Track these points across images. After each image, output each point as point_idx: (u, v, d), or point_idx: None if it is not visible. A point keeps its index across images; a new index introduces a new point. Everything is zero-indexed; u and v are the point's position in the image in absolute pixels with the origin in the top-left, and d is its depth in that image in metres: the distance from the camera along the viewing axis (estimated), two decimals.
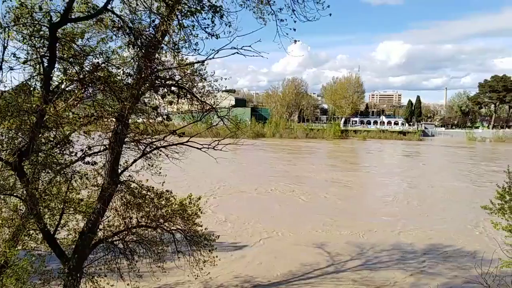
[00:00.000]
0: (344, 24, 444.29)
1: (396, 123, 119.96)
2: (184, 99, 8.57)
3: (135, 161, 9.25)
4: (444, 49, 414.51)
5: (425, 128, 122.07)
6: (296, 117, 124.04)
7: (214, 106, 8.75)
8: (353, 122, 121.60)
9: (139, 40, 6.87)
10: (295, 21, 7.72)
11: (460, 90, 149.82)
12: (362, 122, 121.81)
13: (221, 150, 9.09)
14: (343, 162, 56.97)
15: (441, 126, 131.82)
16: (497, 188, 10.20)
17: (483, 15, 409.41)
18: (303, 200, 30.16)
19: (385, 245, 20.00)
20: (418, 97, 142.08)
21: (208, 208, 25.30)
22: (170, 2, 6.38)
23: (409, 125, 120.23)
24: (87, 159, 8.15)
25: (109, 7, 6.81)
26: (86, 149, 7.98)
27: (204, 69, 8.14)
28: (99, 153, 8.80)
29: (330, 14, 7.76)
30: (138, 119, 8.84)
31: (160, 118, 8.44)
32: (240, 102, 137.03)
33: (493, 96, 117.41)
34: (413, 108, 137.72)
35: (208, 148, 9.13)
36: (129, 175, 9.54)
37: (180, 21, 6.66)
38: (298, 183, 37.03)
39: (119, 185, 9.17)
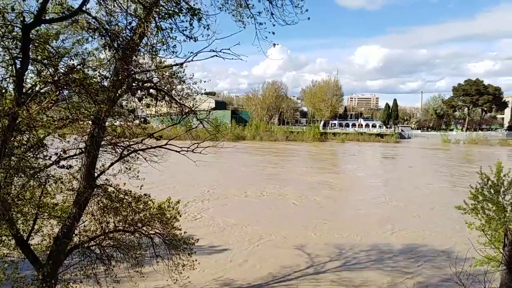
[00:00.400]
0: (323, 28, 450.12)
1: (374, 126, 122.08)
2: (162, 101, 8.48)
3: (112, 164, 9.08)
4: (419, 54, 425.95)
5: (402, 130, 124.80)
6: (276, 120, 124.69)
7: (193, 109, 8.69)
8: (332, 125, 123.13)
9: (116, 42, 6.77)
10: (274, 25, 7.77)
11: (435, 93, 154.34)
12: (340, 125, 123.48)
13: (200, 153, 9.03)
14: (329, 165, 57.54)
15: (417, 129, 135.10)
16: (470, 188, 10.46)
17: (457, 21, 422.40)
18: (294, 203, 30.15)
19: (364, 245, 20.28)
20: (395, 100, 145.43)
21: (198, 213, 25.11)
22: (147, 4, 6.31)
23: (387, 127, 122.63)
24: (62, 162, 7.95)
25: (84, 8, 6.68)
26: (61, 152, 7.79)
27: (183, 72, 8.09)
28: (75, 157, 8.61)
29: (309, 18, 7.85)
30: (115, 122, 8.70)
31: (137, 121, 8.33)
32: (220, 105, 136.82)
33: (466, 100, 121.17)
34: (390, 111, 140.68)
35: (187, 151, 9.06)
36: (106, 179, 9.36)
37: (158, 24, 6.61)
38: (288, 186, 37.13)
39: (95, 189, 8.98)
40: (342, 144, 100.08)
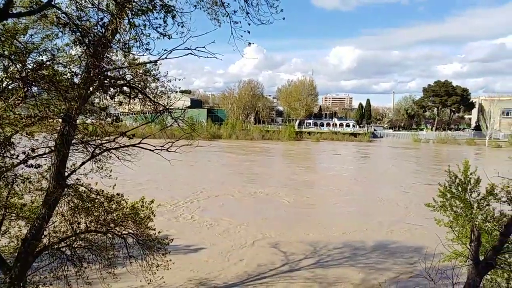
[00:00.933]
0: (299, 28, 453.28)
1: (347, 125, 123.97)
2: (136, 99, 8.31)
3: (83, 163, 8.83)
4: (392, 55, 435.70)
5: (375, 130, 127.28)
6: (252, 119, 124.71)
7: (167, 107, 8.56)
8: (307, 124, 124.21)
9: (87, 38, 6.57)
10: (249, 24, 7.74)
11: (407, 94, 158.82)
12: (315, 124, 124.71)
13: (175, 152, 8.90)
14: (306, 163, 58.00)
15: (389, 128, 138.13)
16: (439, 186, 10.76)
17: (427, 24, 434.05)
18: (272, 202, 30.24)
19: (338, 243, 20.58)
20: (368, 100, 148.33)
21: (174, 212, 24.78)
22: (120, 0, 6.17)
23: (360, 127, 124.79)
24: (31, 161, 7.66)
25: (54, 2, 6.46)
26: (29, 151, 7.50)
27: (157, 69, 7.96)
28: (44, 156, 8.32)
29: (284, 18, 7.86)
30: (87, 119, 8.46)
31: (110, 119, 8.13)
32: (196, 103, 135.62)
33: (436, 100, 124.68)
34: (363, 110, 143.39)
35: (161, 150, 8.91)
36: (77, 178, 9.10)
37: (131, 20, 6.46)
38: (264, 184, 37.18)
39: (65, 189, 8.72)
40: (317, 143, 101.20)
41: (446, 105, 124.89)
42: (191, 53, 6.85)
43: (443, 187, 10.44)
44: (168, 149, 8.83)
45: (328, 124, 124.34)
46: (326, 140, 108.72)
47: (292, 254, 18.79)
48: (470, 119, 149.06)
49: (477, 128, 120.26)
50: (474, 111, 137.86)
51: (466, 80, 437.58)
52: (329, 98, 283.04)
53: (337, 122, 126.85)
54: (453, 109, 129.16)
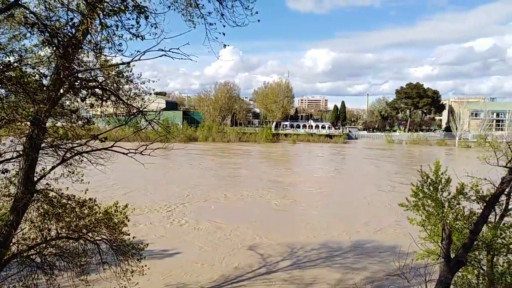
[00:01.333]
0: (275, 30, 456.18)
1: (323, 127, 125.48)
2: (108, 101, 8.12)
3: (53, 168, 8.54)
4: (366, 58, 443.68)
5: (349, 131, 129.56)
6: (229, 121, 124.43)
7: (141, 109, 8.40)
8: (284, 126, 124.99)
9: (56, 39, 6.37)
10: (224, 26, 7.71)
11: (380, 96, 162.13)
12: (292, 126, 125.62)
13: (149, 155, 8.75)
14: (296, 166, 58.29)
15: (364, 130, 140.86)
16: (412, 186, 10.99)
17: (399, 27, 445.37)
18: (250, 204, 30.21)
19: (315, 244, 20.75)
20: (343, 102, 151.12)
21: (150, 217, 24.36)
22: (90, 0, 6.01)
23: (335, 128, 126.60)
24: None
25: (22, 2, 6.23)
26: None
27: (130, 71, 7.81)
28: (12, 160, 8.01)
29: (259, 20, 7.87)
30: (57, 122, 8.19)
31: (81, 122, 7.89)
32: (171, 105, 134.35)
33: (408, 102, 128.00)
34: (338, 112, 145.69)
35: (135, 153, 8.74)
36: (47, 183, 8.80)
37: (102, 20, 6.31)
38: (241, 186, 37.07)
39: (35, 195, 8.41)
40: (293, 144, 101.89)
41: (418, 106, 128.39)
42: (165, 55, 6.75)
43: (416, 187, 10.67)
44: (142, 153, 8.67)
45: (304, 126, 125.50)
46: (303, 141, 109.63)
47: (269, 256, 18.81)
48: (440, 120, 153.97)
49: (448, 129, 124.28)
50: (445, 113, 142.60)
51: (436, 83, 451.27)
52: (305, 100, 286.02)
53: (313, 124, 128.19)
54: (425, 111, 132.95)
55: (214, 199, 31.27)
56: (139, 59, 6.75)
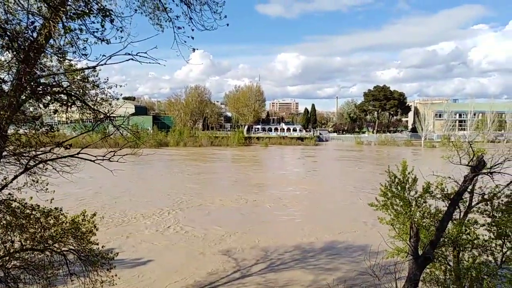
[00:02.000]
0: (245, 34, 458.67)
1: (294, 130, 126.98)
2: (74, 107, 7.86)
3: (16, 177, 8.17)
4: (334, 62, 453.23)
5: (320, 134, 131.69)
6: (200, 125, 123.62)
7: (108, 115, 8.18)
8: (256, 129, 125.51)
9: (16, 43, 6.11)
10: (193, 29, 7.63)
11: (349, 98, 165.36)
12: (264, 129, 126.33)
13: (117, 161, 8.53)
14: (269, 169, 58.27)
15: (334, 132, 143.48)
16: (380, 186, 11.23)
17: (366, 31, 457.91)
18: (219, 209, 29.98)
19: (288, 246, 20.85)
20: (313, 105, 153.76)
21: (119, 225, 23.73)
22: (52, 3, 5.80)
23: (306, 131, 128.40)
24: None
25: None
26: None
27: (96, 76, 7.59)
28: None
29: (228, 24, 7.85)
30: (19, 130, 7.85)
31: (44, 129, 7.59)
32: (141, 110, 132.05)
33: (376, 104, 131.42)
34: (309, 115, 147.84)
35: (103, 159, 8.49)
36: (10, 193, 8.41)
37: (65, 24, 6.11)
38: (212, 191, 36.76)
39: None
40: (266, 148, 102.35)
41: (385, 108, 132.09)
42: (132, 59, 6.61)
43: (384, 187, 10.90)
44: (111, 159, 8.44)
45: (276, 129, 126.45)
46: (275, 144, 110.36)
47: (243, 260, 18.75)
48: (407, 121, 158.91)
49: (414, 130, 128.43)
50: (411, 114, 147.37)
51: (402, 85, 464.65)
52: (276, 103, 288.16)
53: (285, 127, 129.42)
54: (392, 112, 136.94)
55: (188, 205, 30.89)
56: (105, 64, 6.57)
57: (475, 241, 9.66)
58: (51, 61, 7.35)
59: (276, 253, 19.87)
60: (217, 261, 18.61)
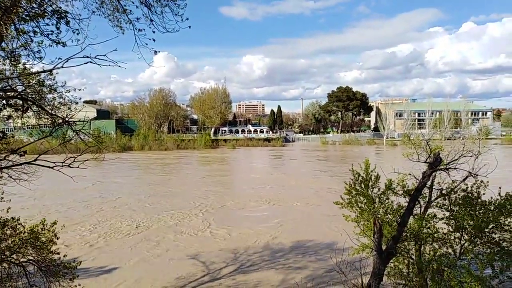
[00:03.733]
0: (210, 36, 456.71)
1: (261, 131, 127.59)
2: (30, 112, 7.53)
3: None
4: (299, 64, 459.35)
5: (287, 135, 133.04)
6: (165, 128, 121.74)
7: (67, 119, 7.89)
8: (223, 132, 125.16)
9: None
10: (154, 32, 7.50)
11: (314, 100, 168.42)
12: (231, 131, 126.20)
13: (78, 167, 8.23)
14: (236, 170, 57.89)
15: (300, 132, 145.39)
16: (345, 184, 11.48)
17: (329, 34, 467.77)
18: (219, 209, 29.60)
19: (257, 247, 20.90)
20: (279, 106, 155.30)
21: (81, 234, 22.88)
22: (4, 5, 5.52)
23: (273, 132, 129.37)
24: None
25: None
26: None
27: (53, 79, 7.31)
28: None
29: (190, 27, 7.79)
30: None
31: None
32: (103, 114, 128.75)
33: (339, 105, 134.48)
34: (275, 116, 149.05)
35: (62, 166, 8.18)
36: None
37: (18, 26, 5.82)
38: (172, 196, 36.21)
39: None
40: (233, 150, 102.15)
41: (349, 109, 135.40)
42: (91, 62, 6.40)
43: (348, 185, 11.16)
44: (70, 165, 8.14)
45: (243, 131, 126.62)
46: (242, 146, 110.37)
47: (212, 263, 18.60)
48: (369, 121, 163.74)
49: (376, 129, 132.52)
50: (373, 114, 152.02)
51: (364, 86, 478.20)
52: (243, 105, 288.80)
53: (252, 128, 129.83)
54: (355, 113, 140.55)
55: (152, 210, 30.31)
56: (62, 67, 6.32)
57: (435, 235, 10.05)
58: (4, 64, 7.02)
59: (245, 254, 19.87)
60: (184, 265, 18.36)
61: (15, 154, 7.47)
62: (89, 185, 41.02)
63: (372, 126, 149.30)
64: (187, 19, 7.43)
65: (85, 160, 8.31)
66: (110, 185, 42.87)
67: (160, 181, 46.90)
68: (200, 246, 21.16)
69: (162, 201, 33.64)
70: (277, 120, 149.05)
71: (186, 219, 27.26)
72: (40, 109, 7.40)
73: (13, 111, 7.00)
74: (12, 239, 8.80)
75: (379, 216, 10.34)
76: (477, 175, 9.51)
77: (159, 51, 7.18)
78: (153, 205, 32.07)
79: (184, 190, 39.52)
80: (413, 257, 10.44)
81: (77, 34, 5.97)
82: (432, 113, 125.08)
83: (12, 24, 5.64)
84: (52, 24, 5.88)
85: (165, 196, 36.15)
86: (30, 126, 9.20)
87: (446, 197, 10.17)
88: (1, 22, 5.41)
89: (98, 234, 23.48)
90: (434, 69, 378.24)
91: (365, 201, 10.80)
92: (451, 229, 10.04)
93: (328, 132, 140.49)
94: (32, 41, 5.93)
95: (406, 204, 9.93)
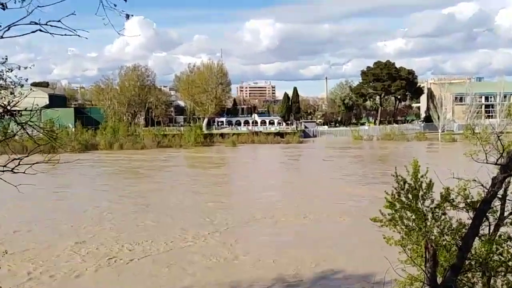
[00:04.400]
0: None
1: (271, 123, 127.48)
2: None
3: None
4: (322, 30, 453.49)
5: (306, 127, 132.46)
6: (142, 120, 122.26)
7: (9, 108, 7.94)
8: (219, 123, 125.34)
9: None
10: None
11: (342, 79, 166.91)
12: (230, 123, 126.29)
13: (24, 172, 8.26)
14: (239, 180, 58.20)
15: (324, 124, 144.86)
16: (386, 195, 11.36)
17: None
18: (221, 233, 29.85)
19: (267, 280, 20.96)
20: (295, 89, 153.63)
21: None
22: None
23: (287, 124, 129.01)
24: None
25: None
26: None
27: None
28: None
29: None
30: None
31: None
32: (58, 100, 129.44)
33: (377, 86, 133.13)
34: (290, 103, 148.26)
35: (3, 171, 8.22)
36: None
37: None
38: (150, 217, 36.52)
39: None
40: (234, 148, 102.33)
41: (390, 92, 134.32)
42: (40, 30, 6.41)
43: (391, 196, 11.04)
44: (14, 170, 8.18)
45: (246, 123, 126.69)
46: (245, 143, 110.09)
47: None
48: (419, 108, 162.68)
49: (428, 119, 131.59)
50: (423, 98, 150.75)
51: (411, 60, 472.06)
52: (246, 87, 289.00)
53: (258, 119, 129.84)
54: (399, 97, 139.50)
55: (125, 234, 30.63)
56: (1, 37, 6.34)
57: (510, 263, 9.97)
58: None
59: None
60: None
61: None
62: (42, 196, 41.34)
63: (423, 115, 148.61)
64: None
65: (33, 163, 8.35)
66: (68, 197, 43.27)
67: (132, 193, 47.22)
68: (192, 278, 21.31)
69: (129, 227, 33.88)
70: (292, 108, 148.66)
71: (182, 251, 27.47)
72: None
73: None
74: None
75: (433, 237, 10.26)
76: None
77: (132, 15, 7.11)
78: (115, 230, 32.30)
79: (164, 219, 39.76)
80: None
81: None
82: (505, 97, 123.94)
83: None
84: None
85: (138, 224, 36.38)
86: None
87: None
88: None
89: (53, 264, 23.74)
90: (508, 36, 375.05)
91: (413, 217, 10.70)
92: None
93: (363, 123, 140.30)
94: None
95: (470, 221, 9.84)
